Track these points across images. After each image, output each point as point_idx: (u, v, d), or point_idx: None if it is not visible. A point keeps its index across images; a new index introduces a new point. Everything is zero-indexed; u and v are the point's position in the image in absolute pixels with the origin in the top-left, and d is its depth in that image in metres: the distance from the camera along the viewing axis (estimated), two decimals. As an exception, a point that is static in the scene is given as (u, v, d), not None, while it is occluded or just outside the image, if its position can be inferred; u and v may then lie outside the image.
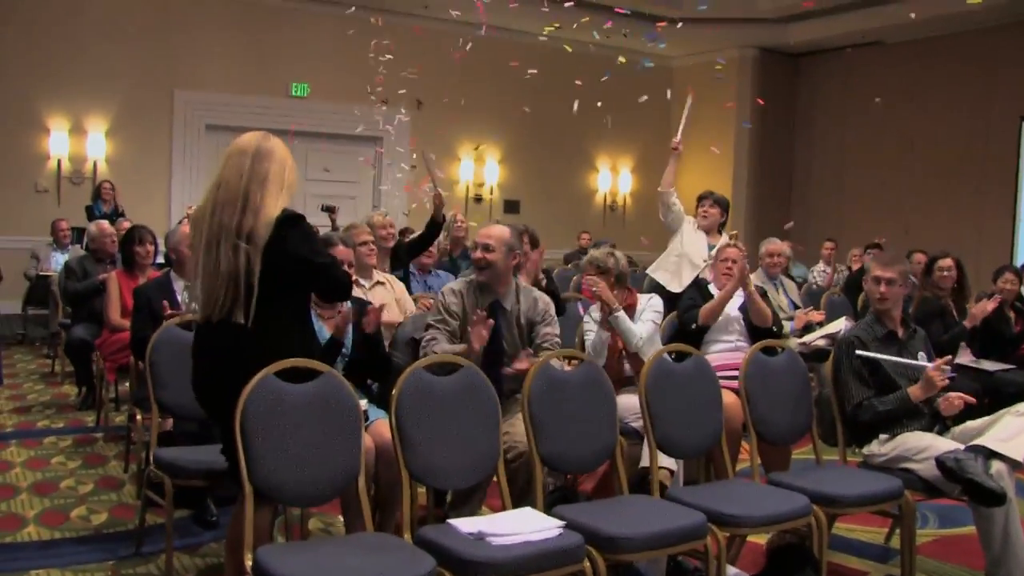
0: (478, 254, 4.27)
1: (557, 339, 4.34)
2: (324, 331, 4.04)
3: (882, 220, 11.39)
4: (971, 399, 3.98)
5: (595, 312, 4.81)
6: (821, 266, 10.53)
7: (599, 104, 8.97)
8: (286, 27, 11.41)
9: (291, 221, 3.05)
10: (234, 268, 2.98)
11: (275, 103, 11.41)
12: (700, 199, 6.54)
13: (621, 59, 9.03)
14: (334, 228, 9.14)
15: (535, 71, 9.43)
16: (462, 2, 9.56)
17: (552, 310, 4.43)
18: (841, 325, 6.33)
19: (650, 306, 4.79)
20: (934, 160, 12.15)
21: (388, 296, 5.18)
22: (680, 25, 8.63)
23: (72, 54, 10.52)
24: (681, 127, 6.65)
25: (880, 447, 4.00)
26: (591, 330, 4.77)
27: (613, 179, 14.42)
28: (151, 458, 3.87)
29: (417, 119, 11.81)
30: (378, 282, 5.31)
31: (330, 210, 8.97)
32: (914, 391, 3.96)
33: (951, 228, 11.38)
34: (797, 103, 14.25)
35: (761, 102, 11.73)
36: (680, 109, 6.77)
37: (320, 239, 3.59)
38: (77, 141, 10.81)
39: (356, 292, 4.77)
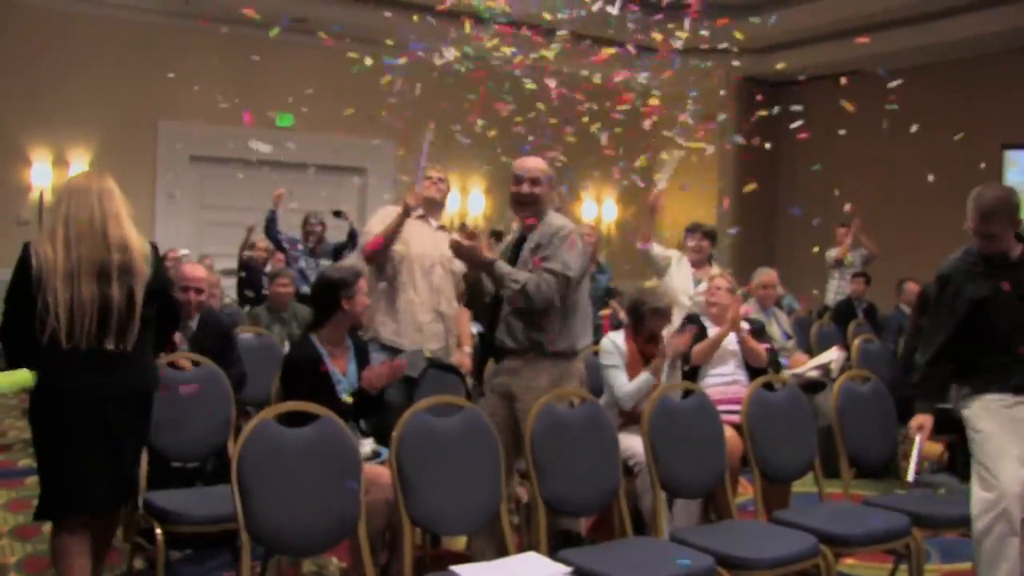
0: (525, 188, 3.98)
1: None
2: (336, 371, 3.91)
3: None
4: None
5: (618, 338, 4.68)
6: (835, 253, 10.38)
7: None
8: (271, 57, 11.31)
9: (158, 254, 3.44)
10: (106, 299, 3.21)
11: (260, 134, 11.25)
12: (689, 231, 6.43)
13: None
14: (350, 230, 9.11)
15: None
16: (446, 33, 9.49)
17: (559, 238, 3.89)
18: (833, 355, 6.29)
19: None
20: (917, 188, 12.17)
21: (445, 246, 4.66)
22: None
23: (55, 85, 10.41)
24: (665, 177, 6.35)
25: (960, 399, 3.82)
26: (613, 363, 4.54)
27: (598, 209, 14.40)
28: (140, 502, 3.74)
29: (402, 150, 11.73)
30: (443, 227, 5.00)
31: (339, 215, 8.97)
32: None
33: (936, 255, 11.38)
34: (779, 132, 14.27)
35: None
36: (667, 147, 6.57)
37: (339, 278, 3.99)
38: (60, 172, 10.66)
39: (419, 225, 4.68)
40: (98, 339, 3.21)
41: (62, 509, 3.27)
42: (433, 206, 4.88)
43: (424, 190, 4.81)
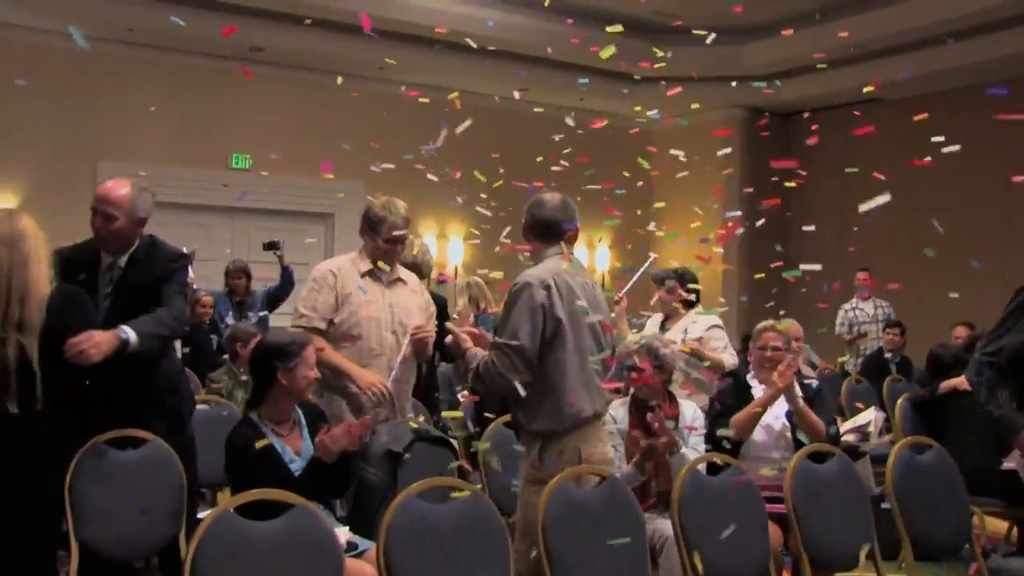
0: None
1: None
2: (288, 451, 3.64)
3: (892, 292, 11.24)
4: None
5: (618, 410, 4.40)
6: (855, 302, 10.23)
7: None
8: (226, 91, 11.13)
9: (61, 295, 3.30)
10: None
11: (213, 176, 11.08)
12: (657, 281, 6.04)
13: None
14: (282, 265, 8.72)
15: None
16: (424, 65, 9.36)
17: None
18: (870, 416, 6.17)
19: (698, 422, 4.43)
20: (950, 226, 12.04)
21: (411, 301, 4.50)
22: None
23: (-27, 119, 10.13)
24: (631, 282, 6.14)
25: None
26: (611, 431, 4.23)
27: (590, 255, 14.21)
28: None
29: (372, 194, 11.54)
30: (399, 279, 4.56)
31: (273, 247, 8.54)
32: None
33: (972, 300, 11.25)
34: (791, 174, 14.19)
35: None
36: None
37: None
38: (-19, 219, 10.38)
39: (369, 284, 4.36)
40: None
41: None
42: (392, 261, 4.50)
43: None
